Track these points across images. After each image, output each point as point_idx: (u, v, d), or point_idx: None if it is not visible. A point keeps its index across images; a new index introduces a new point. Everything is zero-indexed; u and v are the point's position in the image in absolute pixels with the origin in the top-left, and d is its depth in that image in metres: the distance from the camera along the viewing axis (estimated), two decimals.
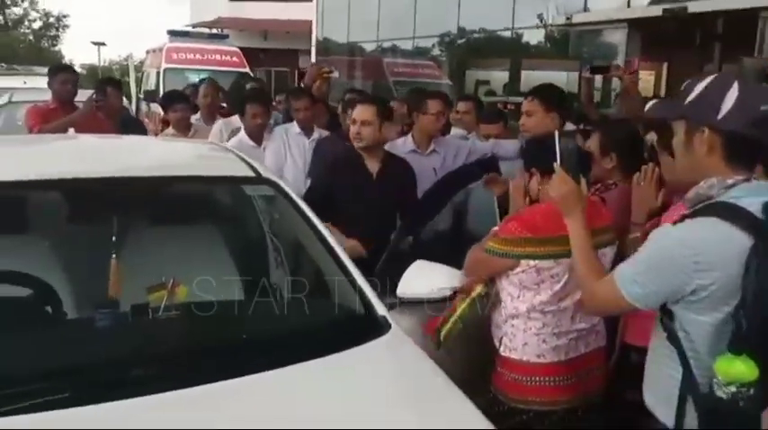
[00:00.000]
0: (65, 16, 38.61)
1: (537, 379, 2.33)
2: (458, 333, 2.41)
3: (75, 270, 2.26)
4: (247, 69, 13.00)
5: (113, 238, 2.22)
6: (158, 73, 12.49)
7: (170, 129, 4.92)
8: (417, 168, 3.54)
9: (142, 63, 15.06)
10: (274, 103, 5.44)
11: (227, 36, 14.43)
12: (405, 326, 2.28)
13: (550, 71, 9.60)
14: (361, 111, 3.36)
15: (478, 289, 2.41)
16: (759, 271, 1.55)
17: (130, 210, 2.39)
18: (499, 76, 11.17)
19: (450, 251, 2.81)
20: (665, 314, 1.75)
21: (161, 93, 11.81)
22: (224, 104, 6.19)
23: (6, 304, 2.05)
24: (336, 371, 1.92)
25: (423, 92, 4.37)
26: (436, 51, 13.33)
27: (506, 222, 2.37)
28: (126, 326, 1.96)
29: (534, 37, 10.65)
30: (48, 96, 5.34)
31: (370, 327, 2.14)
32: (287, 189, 2.62)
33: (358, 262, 2.44)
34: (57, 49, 38.78)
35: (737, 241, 1.58)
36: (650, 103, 2.00)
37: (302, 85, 4.88)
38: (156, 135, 5.11)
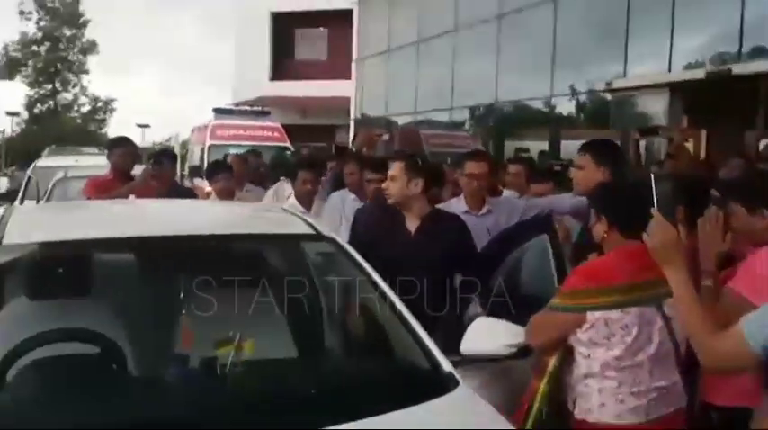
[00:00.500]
0: (112, 100, 40.44)
1: None
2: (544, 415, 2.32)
3: (142, 326, 2.26)
4: (288, 143, 13.33)
5: (181, 295, 2.23)
6: (203, 149, 12.85)
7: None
8: (471, 229, 3.51)
9: (185, 142, 15.57)
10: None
11: (269, 112, 14.87)
12: (470, 384, 2.23)
13: (590, 138, 9.61)
14: (391, 167, 3.38)
15: (553, 362, 2.34)
16: None
17: (197, 267, 2.41)
18: (539, 146, 11.23)
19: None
20: None
21: (206, 168, 12.16)
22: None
23: (78, 361, 2.05)
24: (410, 425, 1.87)
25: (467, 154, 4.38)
26: (474, 122, 13.52)
27: (570, 277, 2.35)
28: (196, 381, 1.94)
29: (573, 104, 10.75)
30: (97, 172, 5.57)
31: (437, 384, 2.09)
32: (346, 246, 2.64)
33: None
34: (103, 131, 40.43)
35: None
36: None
37: (352, 150, 4.96)
38: None
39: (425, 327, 2.34)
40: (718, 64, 7.06)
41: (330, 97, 20.51)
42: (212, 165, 5.44)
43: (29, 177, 9.04)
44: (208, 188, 8.85)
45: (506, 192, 4.28)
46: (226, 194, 4.90)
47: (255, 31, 24.33)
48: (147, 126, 31.28)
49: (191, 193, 5.77)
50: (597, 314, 2.20)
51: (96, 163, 9.18)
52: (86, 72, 39.46)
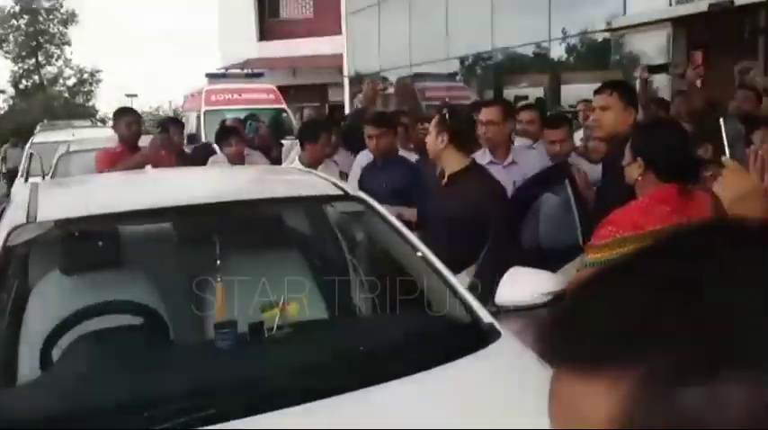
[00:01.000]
0: (98, 71, 39.85)
1: None
2: None
3: (181, 295, 2.26)
4: (284, 105, 13.19)
5: (218, 262, 2.23)
6: (198, 116, 12.72)
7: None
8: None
9: (176, 110, 15.41)
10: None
11: (262, 74, 14.71)
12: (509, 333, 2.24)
13: (590, 83, 9.54)
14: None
15: None
16: None
17: (230, 233, 2.40)
18: (537, 92, 11.12)
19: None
20: None
21: (202, 135, 12.06)
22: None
23: (122, 332, 2.06)
24: (459, 379, 1.89)
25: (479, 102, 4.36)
26: (470, 71, 13.36)
27: (599, 229, 2.29)
28: (246, 345, 1.95)
29: (571, 48, 10.60)
30: (99, 145, 5.51)
31: (480, 336, 2.11)
32: (375, 204, 2.62)
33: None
34: (91, 103, 39.99)
35: None
36: None
37: (359, 107, 4.90)
38: None
39: None
40: None
41: (320, 55, 20.19)
42: (222, 129, 5.38)
43: (30, 154, 8.99)
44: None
45: (518, 141, 4.24)
46: (237, 158, 4.88)
47: None
48: (134, 95, 30.90)
49: (199, 162, 5.74)
50: None
51: (95, 135, 9.13)
52: (68, 43, 38.83)
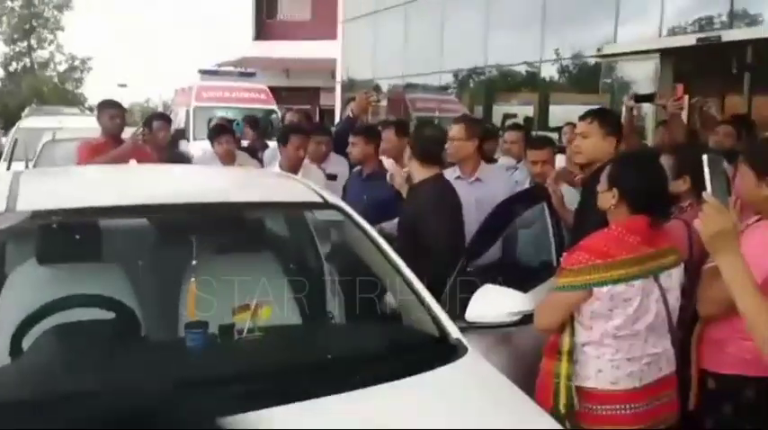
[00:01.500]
0: (89, 59, 39.63)
1: (613, 407, 2.30)
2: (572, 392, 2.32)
3: (156, 293, 2.29)
4: (275, 106, 13.21)
5: (194, 262, 2.25)
6: (188, 111, 12.69)
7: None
8: (462, 196, 3.52)
9: (166, 103, 15.35)
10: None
11: (254, 74, 14.71)
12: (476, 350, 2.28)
13: (579, 104, 9.66)
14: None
15: (567, 340, 2.34)
16: None
17: (210, 233, 2.43)
18: (527, 110, 11.24)
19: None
20: None
21: (191, 131, 12.03)
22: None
23: (94, 325, 2.08)
24: (422, 391, 1.92)
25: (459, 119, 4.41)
26: (462, 86, 13.46)
27: (571, 253, 2.35)
28: (214, 346, 1.98)
29: (562, 69, 10.73)
30: (85, 135, 5.49)
31: (446, 350, 2.13)
32: (353, 213, 2.65)
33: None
34: (80, 91, 39.74)
35: None
36: None
37: (350, 116, 4.94)
38: None
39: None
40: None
41: (315, 58, 20.25)
42: (215, 127, 5.40)
43: (15, 139, 8.92)
44: (193, 151, 8.79)
45: (503, 160, 4.31)
46: (228, 157, 4.88)
47: None
48: (125, 86, 30.72)
49: (184, 158, 5.74)
50: (604, 289, 2.23)
51: (82, 125, 9.06)
52: (62, 29, 38.64)
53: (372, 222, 2.74)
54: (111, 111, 4.83)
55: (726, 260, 1.72)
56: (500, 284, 2.60)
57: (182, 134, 11.58)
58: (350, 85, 17.00)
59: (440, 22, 13.09)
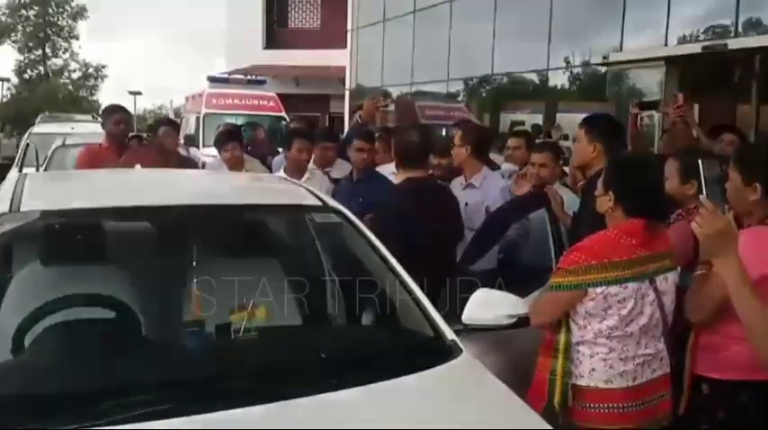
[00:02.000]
0: (103, 67, 39.97)
1: (606, 405, 2.33)
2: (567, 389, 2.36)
3: (157, 293, 2.33)
4: (284, 113, 13.30)
5: (194, 263, 2.29)
6: (198, 118, 12.81)
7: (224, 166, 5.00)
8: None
9: (177, 110, 15.46)
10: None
11: (264, 81, 14.81)
12: (471, 352, 2.30)
13: (586, 112, 9.66)
14: None
15: (562, 339, 2.38)
16: None
17: (209, 235, 2.47)
18: (535, 118, 11.26)
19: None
20: None
21: (201, 137, 12.13)
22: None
23: (94, 324, 2.12)
24: (415, 391, 1.95)
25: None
26: (470, 94, 13.50)
27: (568, 254, 2.39)
28: (212, 345, 2.02)
29: (569, 77, 10.76)
30: (95, 140, 5.57)
31: (441, 351, 2.16)
32: (352, 217, 2.69)
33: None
34: (95, 98, 40.05)
35: None
36: None
37: (359, 122, 4.98)
38: None
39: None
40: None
41: (324, 66, 20.37)
42: (223, 134, 5.43)
43: (27, 144, 9.05)
44: (203, 158, 8.85)
45: (505, 166, 4.35)
46: (236, 163, 4.88)
47: None
48: (138, 93, 30.94)
49: (192, 163, 5.80)
50: (599, 289, 2.27)
51: (93, 130, 9.18)
52: (76, 37, 38.99)
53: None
54: (117, 116, 4.89)
55: (723, 262, 1.76)
56: (499, 288, 2.63)
57: (191, 140, 11.70)
58: (359, 93, 17.09)
59: (448, 29, 13.15)
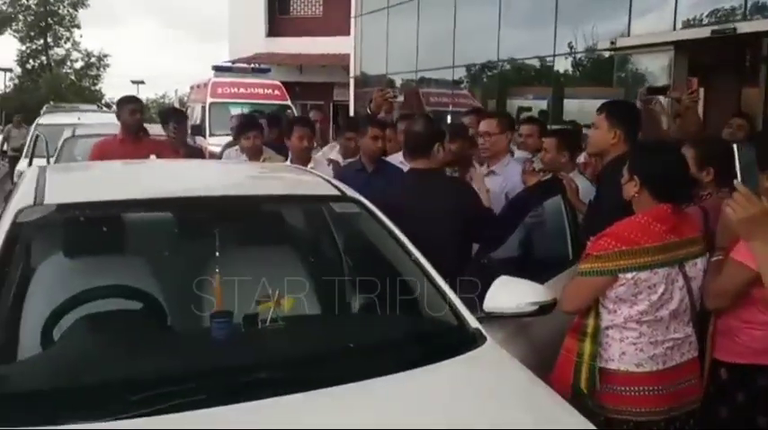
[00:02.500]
0: (105, 56, 39.90)
1: (636, 388, 2.35)
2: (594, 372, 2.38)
3: (181, 284, 2.34)
4: (288, 102, 13.30)
5: (217, 254, 2.30)
6: (203, 107, 12.81)
7: (243, 155, 4.96)
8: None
9: (182, 99, 15.44)
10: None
11: (269, 70, 14.78)
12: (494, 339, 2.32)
13: (593, 98, 9.63)
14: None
15: (591, 322, 2.40)
16: None
17: (232, 226, 2.48)
18: (541, 104, 11.23)
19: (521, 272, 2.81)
20: None
21: (207, 127, 12.14)
22: None
23: (122, 316, 2.14)
24: (441, 380, 1.96)
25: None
26: (476, 80, 13.45)
27: (597, 240, 2.40)
28: (239, 335, 2.03)
29: (575, 63, 10.71)
30: (103, 130, 5.56)
31: (465, 340, 2.18)
32: (371, 206, 2.70)
33: None
34: (98, 87, 40.02)
35: None
36: None
37: (368, 113, 4.96)
38: None
39: None
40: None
41: (328, 54, 20.31)
42: (244, 121, 5.36)
43: (36, 135, 9.04)
44: (210, 147, 8.83)
45: (518, 153, 4.34)
46: (255, 152, 4.83)
47: None
48: (141, 82, 30.95)
49: (199, 153, 5.80)
50: (629, 275, 2.28)
51: (100, 120, 9.19)
52: (77, 26, 38.90)
53: None
54: (131, 106, 4.91)
55: (757, 245, 1.80)
56: (517, 276, 2.64)
57: (198, 130, 11.70)
58: (363, 80, 17.04)
59: (453, 15, 13.07)
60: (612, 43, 8.80)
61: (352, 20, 17.59)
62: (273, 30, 23.86)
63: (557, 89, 10.84)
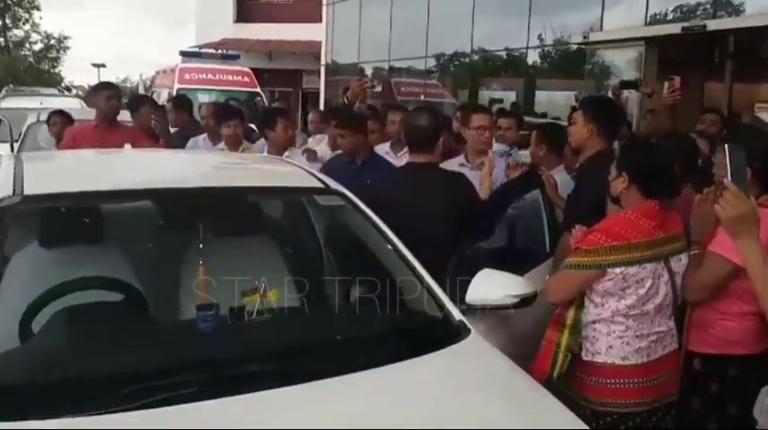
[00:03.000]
0: (66, 38, 38.94)
1: (621, 381, 2.40)
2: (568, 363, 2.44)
3: (164, 276, 2.31)
4: (258, 89, 13.10)
5: (200, 245, 2.27)
6: (170, 93, 12.54)
7: (221, 144, 4.85)
8: None
9: (145, 83, 15.10)
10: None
11: (238, 56, 14.52)
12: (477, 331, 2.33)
13: (564, 90, 9.74)
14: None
15: (571, 314, 2.45)
16: None
17: (214, 217, 2.45)
18: (511, 96, 11.30)
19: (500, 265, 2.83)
20: None
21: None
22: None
23: (103, 307, 2.10)
24: (427, 372, 1.97)
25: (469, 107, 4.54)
26: (448, 71, 13.47)
27: (587, 234, 2.43)
28: (224, 328, 2.01)
29: (548, 55, 10.80)
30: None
31: (450, 332, 2.19)
32: (355, 199, 2.68)
33: None
34: (57, 70, 39.08)
35: None
36: None
37: (345, 103, 4.91)
38: None
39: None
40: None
41: (297, 41, 20.10)
42: (224, 109, 5.24)
43: None
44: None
45: (496, 146, 4.36)
46: (235, 141, 4.72)
47: None
48: (102, 65, 30.21)
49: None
50: (618, 270, 2.32)
51: (64, 105, 8.96)
52: (37, 8, 37.84)
53: None
54: (107, 92, 4.79)
55: (745, 243, 1.82)
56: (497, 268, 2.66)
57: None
58: (334, 69, 16.93)
59: (426, 5, 13.05)
60: (585, 37, 8.90)
61: (324, 7, 17.45)
62: (242, 15, 23.51)
63: (528, 81, 10.92)
